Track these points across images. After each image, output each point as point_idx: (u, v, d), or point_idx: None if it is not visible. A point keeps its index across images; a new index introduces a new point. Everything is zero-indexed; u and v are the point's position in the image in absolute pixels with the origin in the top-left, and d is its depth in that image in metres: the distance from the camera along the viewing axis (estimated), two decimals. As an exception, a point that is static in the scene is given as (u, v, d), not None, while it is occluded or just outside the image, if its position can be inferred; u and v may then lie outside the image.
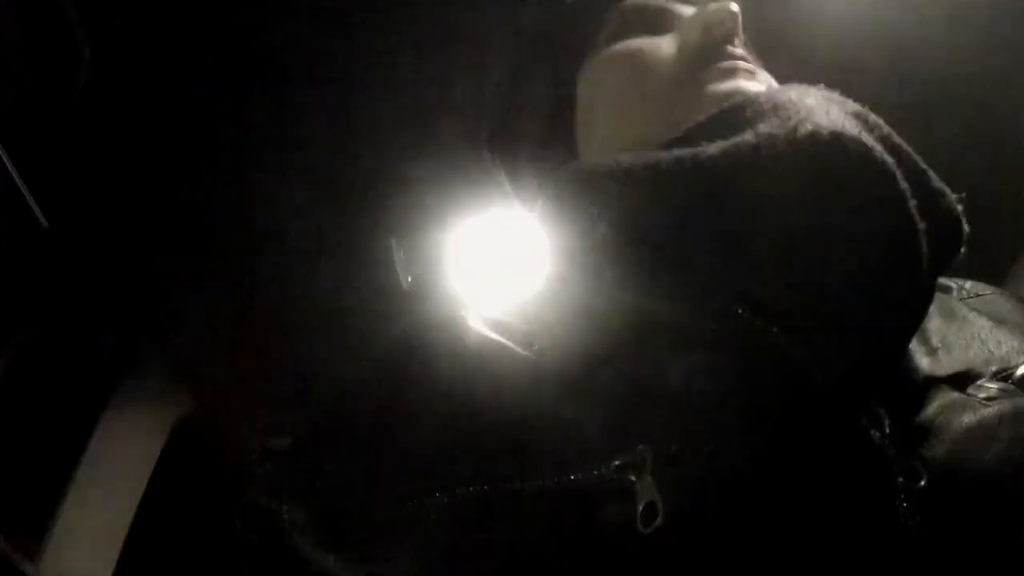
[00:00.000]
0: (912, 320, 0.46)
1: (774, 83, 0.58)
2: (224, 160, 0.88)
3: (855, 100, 0.48)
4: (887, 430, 0.41)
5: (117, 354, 0.87)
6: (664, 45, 0.58)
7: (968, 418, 0.42)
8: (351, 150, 0.83)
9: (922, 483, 0.39)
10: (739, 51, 0.56)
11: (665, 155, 0.47)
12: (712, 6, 0.57)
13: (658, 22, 0.60)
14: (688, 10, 0.60)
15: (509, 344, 0.50)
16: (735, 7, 0.57)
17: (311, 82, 0.81)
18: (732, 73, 0.55)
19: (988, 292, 0.58)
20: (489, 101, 0.65)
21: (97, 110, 0.82)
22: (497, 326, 0.52)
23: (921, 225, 0.43)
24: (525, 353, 0.50)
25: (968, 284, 0.58)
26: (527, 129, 0.62)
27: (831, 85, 0.50)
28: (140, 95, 0.83)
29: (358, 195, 0.85)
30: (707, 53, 0.56)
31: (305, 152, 0.84)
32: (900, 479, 0.39)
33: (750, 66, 0.56)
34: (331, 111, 0.82)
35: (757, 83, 0.55)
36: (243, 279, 0.92)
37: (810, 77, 0.51)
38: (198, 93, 0.82)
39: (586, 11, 0.63)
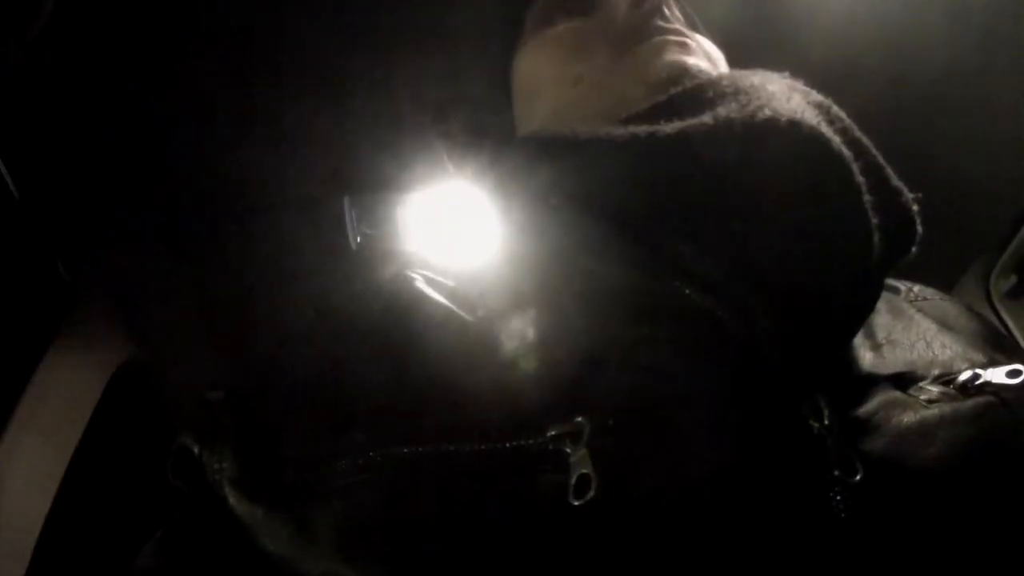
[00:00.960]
0: (858, 312, 0.47)
1: (713, 51, 0.58)
2: (186, 113, 0.86)
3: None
4: (827, 421, 0.41)
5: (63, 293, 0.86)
6: (591, 26, 0.57)
7: (908, 417, 0.42)
8: (311, 107, 0.82)
9: (858, 477, 0.40)
10: (668, 24, 0.56)
11: (622, 130, 0.47)
12: None
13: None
14: None
15: (454, 308, 0.50)
16: None
17: (271, 38, 0.80)
18: (664, 48, 0.54)
19: (936, 296, 0.58)
20: (441, 76, 0.65)
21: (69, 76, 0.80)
22: (444, 290, 0.52)
23: (875, 220, 0.43)
24: (470, 318, 0.50)
25: (916, 287, 0.59)
26: (477, 106, 0.62)
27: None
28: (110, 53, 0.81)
29: (317, 152, 0.84)
30: (635, 30, 0.55)
31: (266, 106, 0.83)
32: (836, 471, 0.40)
33: (682, 38, 0.55)
34: (290, 73, 0.81)
35: (692, 55, 0.54)
36: (200, 232, 0.91)
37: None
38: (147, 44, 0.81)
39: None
